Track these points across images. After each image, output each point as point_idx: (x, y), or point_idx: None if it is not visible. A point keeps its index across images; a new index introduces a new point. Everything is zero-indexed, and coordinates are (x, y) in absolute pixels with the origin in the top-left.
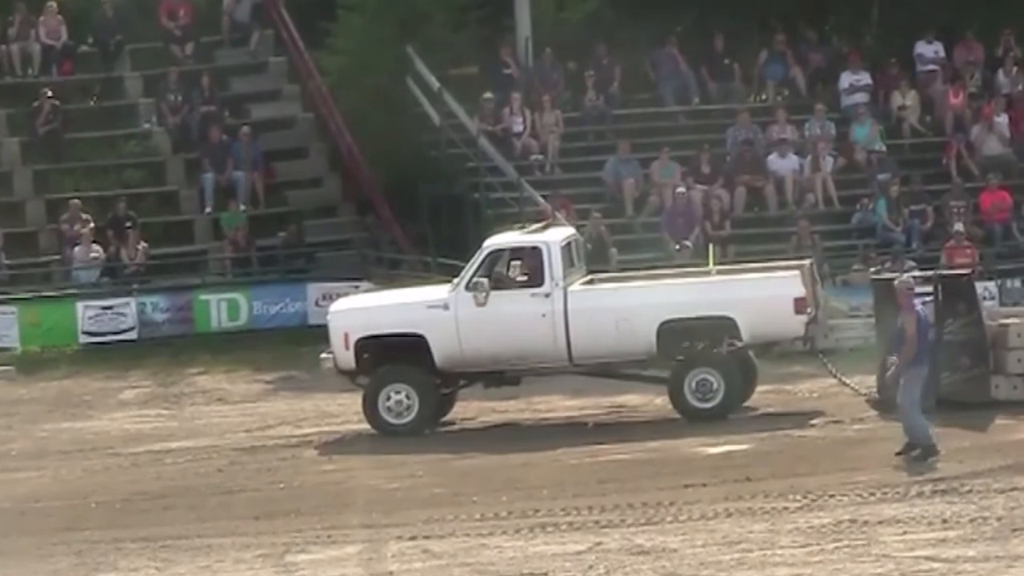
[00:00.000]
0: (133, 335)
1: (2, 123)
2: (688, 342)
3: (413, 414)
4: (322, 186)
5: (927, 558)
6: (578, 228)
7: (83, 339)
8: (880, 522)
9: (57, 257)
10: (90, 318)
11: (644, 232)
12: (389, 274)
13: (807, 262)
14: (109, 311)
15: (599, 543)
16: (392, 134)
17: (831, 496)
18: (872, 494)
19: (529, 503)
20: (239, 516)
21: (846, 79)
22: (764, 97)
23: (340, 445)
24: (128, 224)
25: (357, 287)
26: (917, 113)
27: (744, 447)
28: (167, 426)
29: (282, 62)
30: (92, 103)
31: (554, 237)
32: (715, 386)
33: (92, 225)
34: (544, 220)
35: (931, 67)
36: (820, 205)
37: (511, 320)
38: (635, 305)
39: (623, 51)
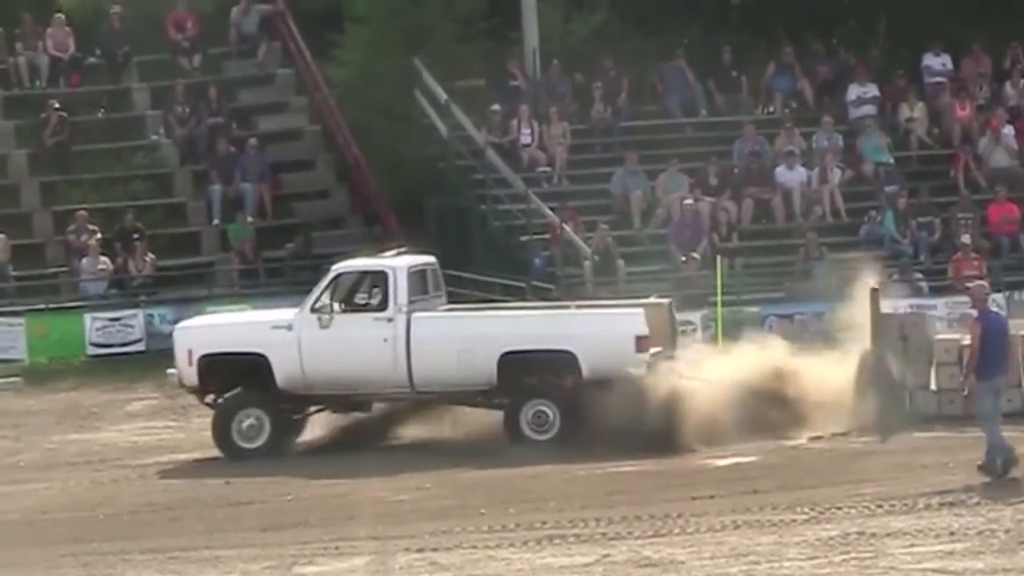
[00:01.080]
0: (141, 347)
1: (10, 135)
2: (529, 374)
3: (264, 438)
4: (329, 198)
5: (935, 571)
6: (585, 240)
7: (91, 351)
8: (888, 534)
9: (64, 269)
10: (98, 330)
11: (651, 244)
12: None
13: (665, 301)
14: (117, 323)
15: (607, 555)
16: (399, 146)
17: (838, 508)
18: (879, 506)
19: (537, 515)
20: (246, 528)
21: (853, 91)
22: (771, 109)
23: (347, 457)
24: (135, 236)
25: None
26: (925, 125)
27: (751, 459)
28: (174, 438)
29: (289, 74)
30: (99, 115)
31: (403, 263)
32: (551, 418)
33: (99, 236)
34: (400, 248)
35: (938, 79)
36: (828, 217)
37: (353, 344)
38: (477, 335)
39: (630, 63)
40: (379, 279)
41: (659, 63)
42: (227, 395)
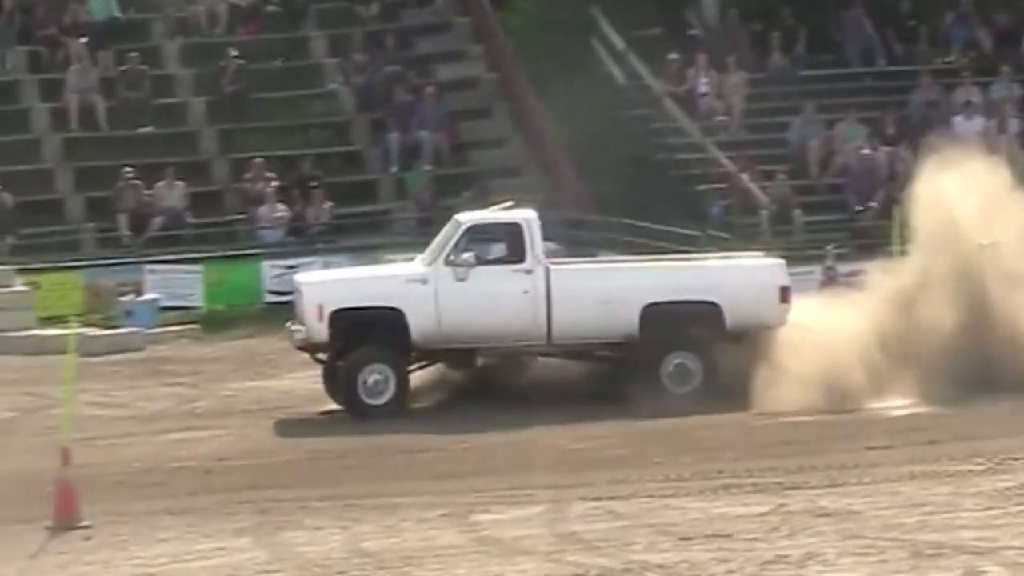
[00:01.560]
0: None
1: (188, 82)
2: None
3: (390, 394)
4: (505, 146)
5: None
6: (762, 190)
7: (268, 298)
8: None
9: (242, 216)
10: (274, 277)
11: (828, 194)
12: (572, 235)
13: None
14: (294, 270)
15: (782, 505)
16: (576, 95)
17: (1015, 459)
18: None
19: (712, 465)
20: (422, 476)
21: None
22: (949, 59)
23: (523, 405)
24: (313, 184)
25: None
26: None
27: (928, 410)
28: None
29: (466, 22)
30: (277, 63)
31: (533, 215)
32: (693, 371)
33: (276, 184)
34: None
35: None
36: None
37: (492, 297)
38: (619, 287)
39: (808, 12)
40: (512, 231)
41: (837, 12)
42: (353, 351)
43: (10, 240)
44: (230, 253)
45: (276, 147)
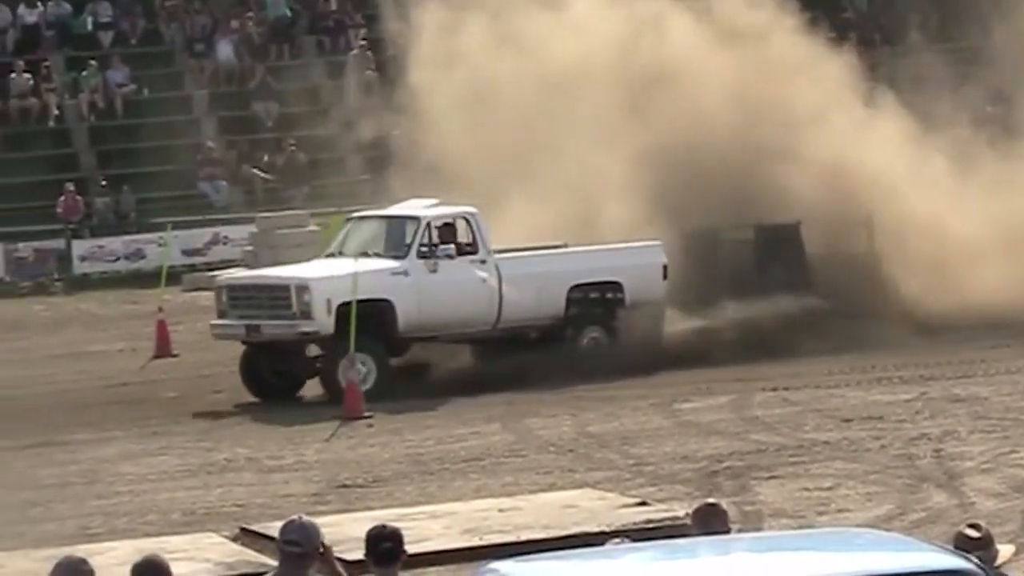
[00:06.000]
0: None
1: None
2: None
3: (371, 382)
4: None
5: None
6: None
7: None
8: None
9: None
10: None
11: None
12: None
13: None
14: None
15: (924, 392)
16: None
17: None
18: None
19: (868, 360)
20: (633, 373)
21: None
22: None
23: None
24: None
25: None
26: None
27: None
28: None
29: None
30: None
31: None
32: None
33: None
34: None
35: None
36: None
37: (460, 286)
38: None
39: None
40: (463, 224)
41: None
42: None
43: (304, 190)
44: None
45: None
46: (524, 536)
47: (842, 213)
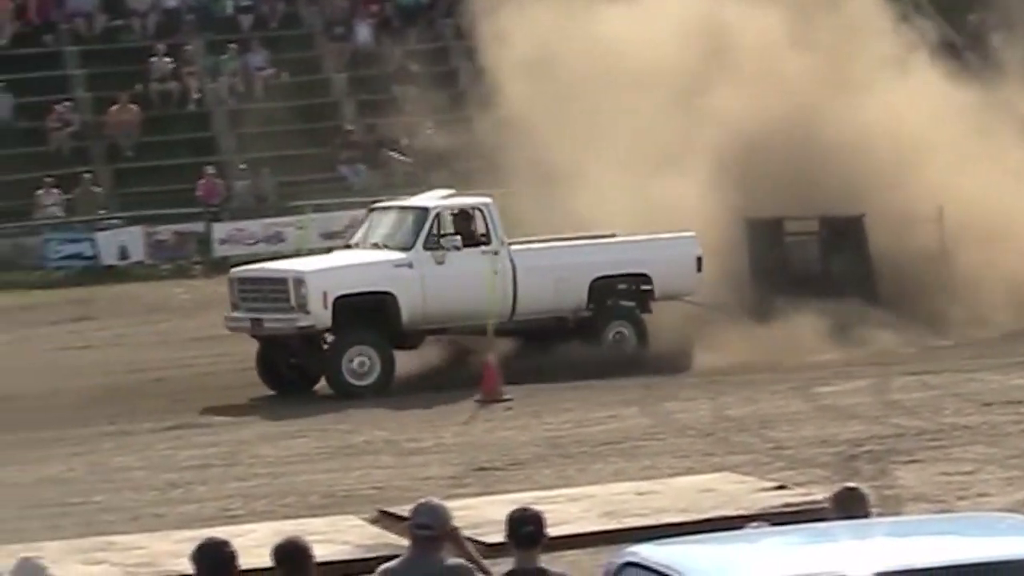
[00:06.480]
0: None
1: None
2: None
3: (375, 375)
4: None
5: None
6: None
7: None
8: None
9: None
10: None
11: None
12: None
13: None
14: None
15: None
16: None
17: None
18: None
19: (1010, 347)
20: (774, 357)
21: None
22: None
23: None
24: None
25: None
26: None
27: None
28: None
29: None
30: None
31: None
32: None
33: None
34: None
35: None
36: None
37: (469, 278)
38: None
39: None
40: (475, 215)
41: None
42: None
43: (443, 174)
44: None
45: None
46: (662, 520)
47: (910, 208)
